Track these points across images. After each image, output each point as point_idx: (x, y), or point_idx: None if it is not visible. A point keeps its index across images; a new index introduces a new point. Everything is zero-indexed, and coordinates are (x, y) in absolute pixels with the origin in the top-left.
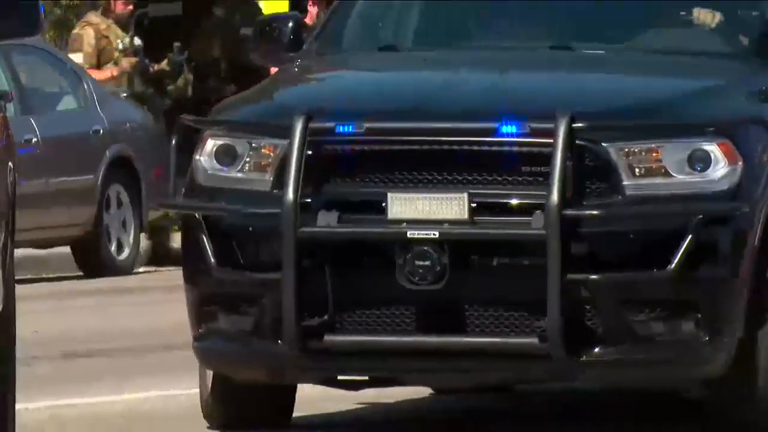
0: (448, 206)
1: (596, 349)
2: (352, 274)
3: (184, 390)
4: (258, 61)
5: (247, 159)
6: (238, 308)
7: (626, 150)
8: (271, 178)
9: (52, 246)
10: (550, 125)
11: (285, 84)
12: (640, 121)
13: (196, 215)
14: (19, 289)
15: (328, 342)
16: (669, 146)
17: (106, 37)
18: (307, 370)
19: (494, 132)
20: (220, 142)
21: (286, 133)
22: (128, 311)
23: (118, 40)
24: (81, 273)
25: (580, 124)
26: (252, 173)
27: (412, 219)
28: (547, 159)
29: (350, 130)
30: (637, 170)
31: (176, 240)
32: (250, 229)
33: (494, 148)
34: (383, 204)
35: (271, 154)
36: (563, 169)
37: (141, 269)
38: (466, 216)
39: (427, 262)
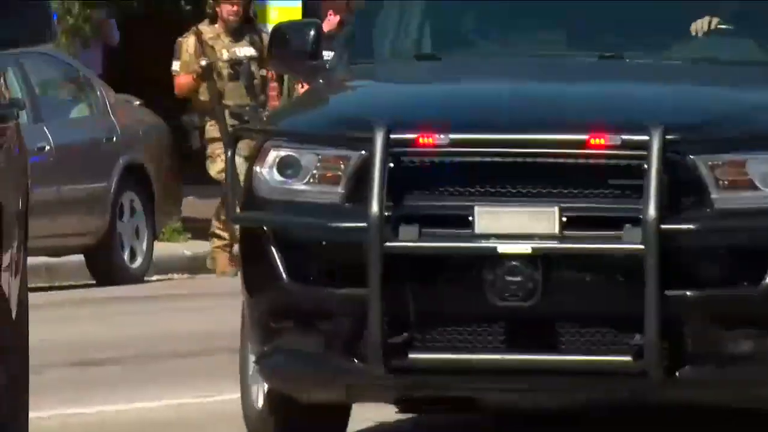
0: (539, 220)
1: (690, 367)
2: (437, 289)
3: (195, 398)
4: (276, 68)
5: (314, 171)
6: (311, 325)
7: (714, 163)
8: (343, 191)
9: (65, 254)
10: (644, 137)
11: (338, 93)
12: (729, 133)
13: (264, 228)
14: (32, 297)
15: (413, 360)
16: (756, 159)
17: (211, 46)
18: (389, 388)
19: (585, 144)
20: (283, 153)
21: (359, 144)
22: (141, 319)
23: (224, 50)
24: (94, 281)
25: (671, 137)
26: (320, 185)
27: (501, 233)
28: (638, 171)
29: (434, 141)
30: (724, 183)
31: None
32: (329, 243)
33: (585, 161)
34: (469, 218)
35: (342, 165)
36: (659, 182)
37: (154, 277)
38: (556, 230)
39: (519, 278)
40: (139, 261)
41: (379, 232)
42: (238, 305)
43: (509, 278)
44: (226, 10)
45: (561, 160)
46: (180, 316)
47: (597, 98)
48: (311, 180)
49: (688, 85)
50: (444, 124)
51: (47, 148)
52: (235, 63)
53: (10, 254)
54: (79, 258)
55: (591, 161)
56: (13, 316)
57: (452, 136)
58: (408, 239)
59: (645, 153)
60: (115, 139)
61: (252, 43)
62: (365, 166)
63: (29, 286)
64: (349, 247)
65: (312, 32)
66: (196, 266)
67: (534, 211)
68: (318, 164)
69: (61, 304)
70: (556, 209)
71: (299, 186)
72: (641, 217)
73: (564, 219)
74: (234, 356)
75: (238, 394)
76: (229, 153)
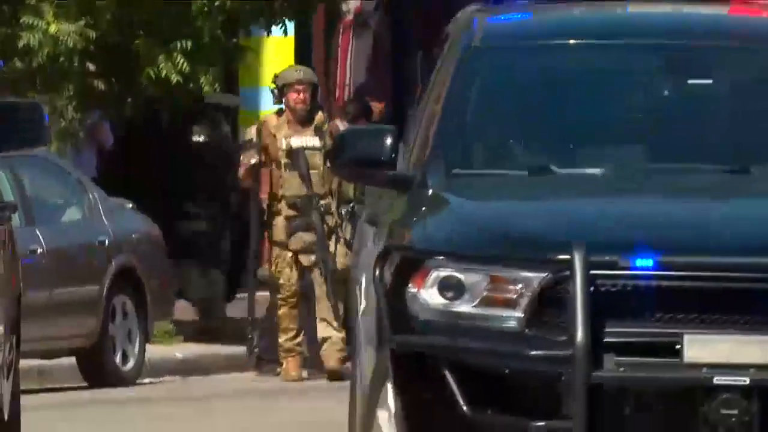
0: (753, 349)
1: None
2: (643, 422)
3: None
4: (344, 177)
5: (485, 293)
6: None
7: None
8: (522, 315)
9: (57, 357)
10: None
11: (477, 208)
12: None
13: (434, 355)
14: (24, 400)
15: None
16: None
17: (273, 135)
18: None
19: None
20: (444, 273)
21: (543, 265)
22: (133, 423)
23: (283, 139)
24: (86, 384)
25: None
26: (493, 309)
27: (713, 363)
28: None
29: (640, 264)
30: None
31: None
32: (520, 371)
33: None
34: (677, 346)
35: (519, 288)
36: None
37: (146, 380)
38: None
39: (735, 411)
40: (131, 363)
41: (586, 362)
42: (231, 409)
43: (725, 411)
44: (293, 98)
45: None
46: (172, 418)
47: None
48: (481, 303)
49: None
50: (646, 246)
51: (39, 250)
52: (291, 153)
53: (2, 356)
54: (71, 361)
55: None
56: (5, 417)
57: (661, 258)
58: (614, 369)
59: None
60: (107, 242)
61: (317, 133)
62: (551, 289)
63: (21, 388)
64: (546, 376)
65: (389, 140)
66: (188, 368)
67: (749, 340)
68: (489, 286)
69: (53, 407)
70: None
71: (466, 309)
72: None
73: None
74: None
75: None
76: (377, 272)
